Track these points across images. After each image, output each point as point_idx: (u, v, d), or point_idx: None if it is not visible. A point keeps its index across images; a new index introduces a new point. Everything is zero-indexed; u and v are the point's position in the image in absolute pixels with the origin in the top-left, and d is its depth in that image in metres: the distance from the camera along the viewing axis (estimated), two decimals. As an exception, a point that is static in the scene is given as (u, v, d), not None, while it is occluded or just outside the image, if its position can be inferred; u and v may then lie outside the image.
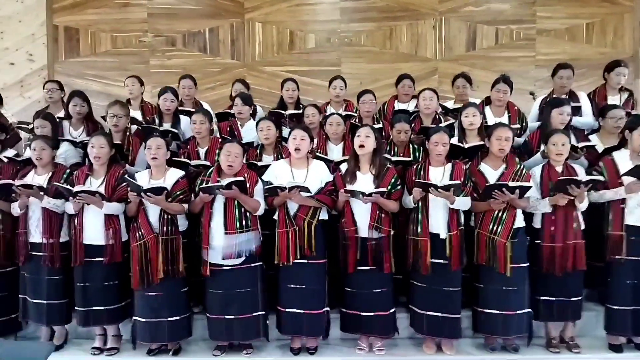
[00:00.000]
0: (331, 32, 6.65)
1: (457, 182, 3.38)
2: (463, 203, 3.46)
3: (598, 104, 4.47)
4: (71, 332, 3.87)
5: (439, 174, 3.53)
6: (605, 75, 4.60)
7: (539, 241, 3.57)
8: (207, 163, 3.78)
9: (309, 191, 3.43)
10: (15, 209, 3.60)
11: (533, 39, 6.53)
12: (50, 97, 4.57)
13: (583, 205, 3.51)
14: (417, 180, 3.47)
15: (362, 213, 3.50)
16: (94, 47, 6.78)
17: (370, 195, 3.36)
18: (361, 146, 3.51)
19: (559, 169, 3.57)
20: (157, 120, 4.38)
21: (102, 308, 3.57)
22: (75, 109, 4.19)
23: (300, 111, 4.44)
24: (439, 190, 3.32)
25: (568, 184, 3.39)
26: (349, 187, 3.51)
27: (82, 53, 6.78)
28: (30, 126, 4.08)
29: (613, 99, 4.59)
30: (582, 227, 3.59)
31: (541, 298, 3.62)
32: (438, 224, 3.48)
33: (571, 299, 3.59)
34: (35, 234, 3.60)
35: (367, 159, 3.56)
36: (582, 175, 3.51)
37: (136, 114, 4.61)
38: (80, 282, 3.56)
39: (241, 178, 3.38)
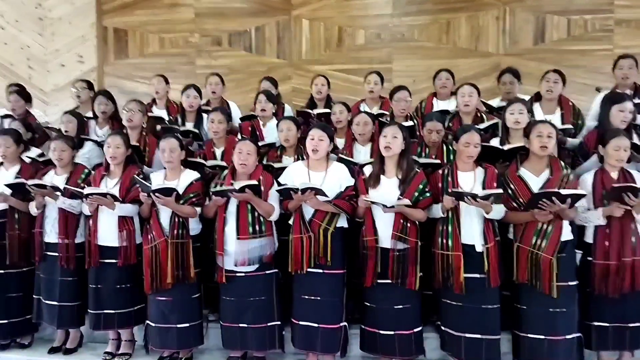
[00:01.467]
0: (382, 27, 6.26)
1: (499, 190, 2.97)
2: (498, 212, 3.06)
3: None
4: (88, 336, 3.79)
5: (469, 180, 3.14)
6: None
7: (591, 258, 3.11)
8: (223, 163, 3.59)
9: (324, 194, 3.15)
10: (33, 208, 3.57)
11: (610, 30, 5.82)
12: (77, 96, 4.57)
13: (643, 216, 3.00)
14: (451, 189, 3.08)
15: (384, 221, 3.17)
16: (142, 49, 6.79)
17: (392, 207, 3.03)
18: (387, 147, 3.19)
19: (614, 175, 3.09)
20: (180, 120, 4.25)
21: (114, 311, 3.46)
22: (100, 108, 4.14)
23: (329, 110, 4.16)
24: (478, 200, 2.93)
25: (624, 192, 2.91)
26: (371, 192, 3.20)
27: (131, 54, 6.80)
28: (58, 127, 4.07)
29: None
30: (643, 240, 3.08)
31: (594, 323, 3.15)
32: (473, 235, 3.09)
33: (630, 325, 3.09)
34: (51, 234, 3.55)
35: (393, 162, 3.23)
36: None
37: (162, 113, 4.52)
38: (93, 284, 3.48)
39: (254, 182, 3.16)
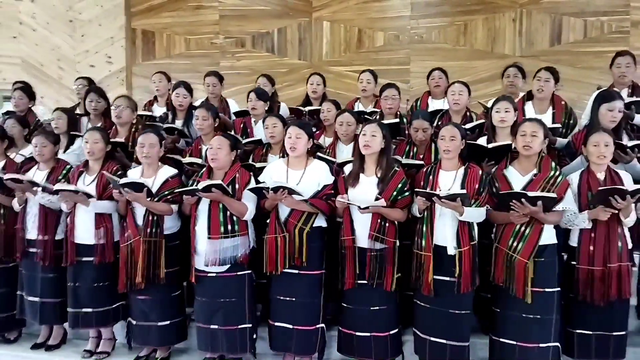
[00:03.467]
0: (401, 29, 6.38)
1: (463, 191, 2.87)
2: (475, 215, 2.95)
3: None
4: (74, 332, 3.79)
5: (449, 180, 3.04)
6: None
7: (574, 262, 2.98)
8: (199, 161, 3.55)
9: (297, 193, 3.08)
10: (15, 204, 3.59)
11: (627, 32, 5.79)
12: (78, 93, 4.60)
13: (630, 221, 2.88)
14: (418, 188, 3.01)
15: (362, 221, 3.10)
16: (169, 50, 7.00)
17: (367, 208, 2.96)
18: (366, 146, 3.12)
19: (601, 176, 2.96)
20: (170, 117, 4.23)
21: (92, 310, 3.46)
22: (91, 105, 4.14)
23: (319, 107, 4.10)
24: (443, 200, 2.84)
25: (611, 195, 2.78)
26: (350, 191, 3.13)
27: (158, 55, 7.02)
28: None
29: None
30: (630, 246, 2.95)
31: (576, 331, 3.02)
32: (445, 237, 2.99)
33: (613, 334, 2.96)
34: (32, 230, 3.56)
35: (373, 160, 3.15)
36: (628, 184, 2.88)
37: (162, 110, 4.50)
38: (71, 282, 3.48)
39: (218, 182, 3.10)
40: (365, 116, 3.89)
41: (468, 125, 3.56)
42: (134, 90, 6.90)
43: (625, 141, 3.22)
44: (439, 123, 3.83)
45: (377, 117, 4.00)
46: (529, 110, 3.80)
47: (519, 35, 6.07)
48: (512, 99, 3.52)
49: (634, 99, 3.72)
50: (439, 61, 5.99)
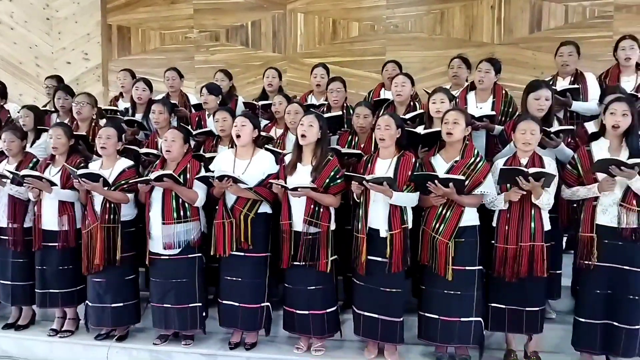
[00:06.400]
0: (376, 19, 6.32)
1: (388, 176, 3.09)
2: (405, 199, 3.17)
3: (608, 86, 3.89)
4: (41, 314, 4.10)
5: (385, 167, 3.25)
6: (615, 53, 4.00)
7: (494, 241, 3.19)
8: (155, 151, 3.78)
9: (241, 182, 3.32)
10: (-13, 195, 3.87)
11: (610, 16, 5.69)
12: (48, 92, 4.84)
13: (542, 203, 3.06)
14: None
15: (298, 207, 3.32)
16: (144, 45, 7.05)
17: (294, 189, 3.18)
18: (303, 136, 3.33)
19: (524, 161, 3.15)
20: (130, 111, 4.47)
21: (57, 291, 3.74)
22: (59, 102, 4.40)
23: (270, 101, 4.32)
24: (370, 183, 3.06)
25: (514, 175, 2.99)
26: (288, 179, 3.36)
27: (133, 51, 7.08)
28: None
29: (627, 80, 4.00)
30: (547, 227, 3.15)
31: (491, 305, 3.24)
32: (378, 220, 3.21)
33: (526, 309, 3.16)
34: (2, 219, 3.84)
35: (310, 150, 3.37)
36: (550, 168, 3.07)
37: (127, 106, 4.73)
38: (39, 265, 3.75)
39: (169, 172, 3.35)
40: (311, 109, 4.09)
41: (408, 115, 3.76)
42: (111, 86, 7.00)
43: (556, 127, 3.40)
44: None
45: (325, 109, 4.20)
46: (471, 99, 3.97)
47: (497, 22, 5.98)
48: (447, 90, 3.71)
49: (569, 86, 3.89)
50: (415, 51, 6.14)
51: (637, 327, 3.00)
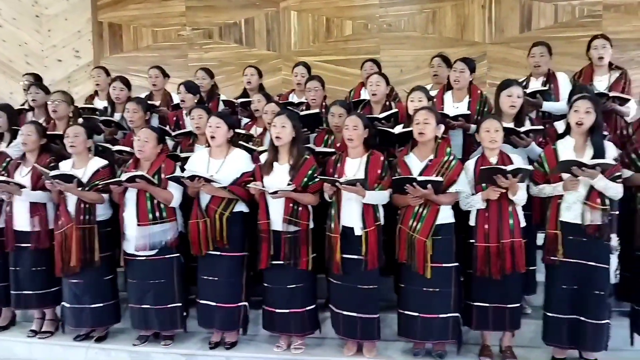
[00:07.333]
0: (369, 17, 6.31)
1: (359, 177, 3.11)
2: (377, 197, 3.19)
3: (577, 85, 3.96)
4: (22, 315, 4.05)
5: (354, 166, 3.27)
6: (588, 53, 4.07)
7: (473, 241, 3.22)
8: (128, 149, 3.72)
9: (213, 181, 3.30)
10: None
11: (599, 15, 5.72)
12: (24, 89, 4.75)
13: (519, 199, 3.11)
14: (328, 175, 3.25)
15: (276, 206, 3.31)
16: (136, 42, 6.94)
17: (275, 192, 3.18)
18: (277, 137, 3.33)
19: (493, 160, 3.19)
20: (109, 110, 4.41)
21: (31, 292, 3.69)
22: (30, 97, 4.32)
23: (249, 99, 4.30)
24: (343, 185, 3.08)
25: (493, 174, 3.02)
26: (265, 178, 3.35)
27: (125, 48, 6.96)
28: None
29: (600, 79, 4.07)
30: (523, 224, 3.20)
31: (475, 304, 3.26)
32: (352, 219, 3.23)
33: (508, 306, 3.20)
34: (-25, 220, 3.77)
35: (285, 150, 3.37)
36: (516, 164, 3.11)
37: (103, 104, 4.67)
38: (12, 266, 3.70)
39: (141, 172, 3.32)
40: (284, 108, 4.07)
41: (382, 115, 3.77)
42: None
43: (528, 126, 3.44)
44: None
45: (304, 108, 4.20)
46: (448, 98, 4.01)
47: (488, 22, 6.02)
48: (425, 89, 3.74)
49: (538, 87, 3.95)
50: (408, 49, 6.15)
51: (603, 321, 3.06)
